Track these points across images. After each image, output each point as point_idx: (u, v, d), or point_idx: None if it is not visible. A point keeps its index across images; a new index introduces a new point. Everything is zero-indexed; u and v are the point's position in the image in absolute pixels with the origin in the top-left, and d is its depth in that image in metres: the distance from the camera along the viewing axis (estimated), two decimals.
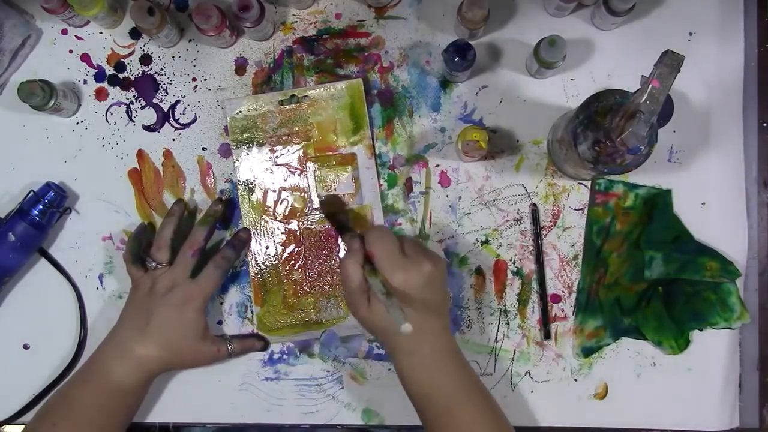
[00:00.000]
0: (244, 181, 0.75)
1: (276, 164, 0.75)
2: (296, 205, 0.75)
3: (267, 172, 0.75)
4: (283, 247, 0.75)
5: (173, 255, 0.71)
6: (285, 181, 0.75)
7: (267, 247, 0.75)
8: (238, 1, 0.68)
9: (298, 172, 0.75)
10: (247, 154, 0.75)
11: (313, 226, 0.75)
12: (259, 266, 0.75)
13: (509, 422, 0.66)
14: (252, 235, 0.75)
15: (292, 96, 0.75)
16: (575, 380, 0.74)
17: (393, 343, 0.65)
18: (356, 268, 0.63)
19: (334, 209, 0.75)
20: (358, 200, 0.75)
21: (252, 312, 0.76)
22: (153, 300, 0.69)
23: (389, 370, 0.75)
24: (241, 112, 0.75)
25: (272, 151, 0.75)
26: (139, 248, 0.73)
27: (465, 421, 0.63)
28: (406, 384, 0.65)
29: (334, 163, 0.75)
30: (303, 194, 0.75)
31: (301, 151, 0.75)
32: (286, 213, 0.75)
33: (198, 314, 0.69)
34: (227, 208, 0.76)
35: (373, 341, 0.75)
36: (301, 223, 0.75)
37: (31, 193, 0.74)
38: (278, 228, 0.75)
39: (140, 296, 0.70)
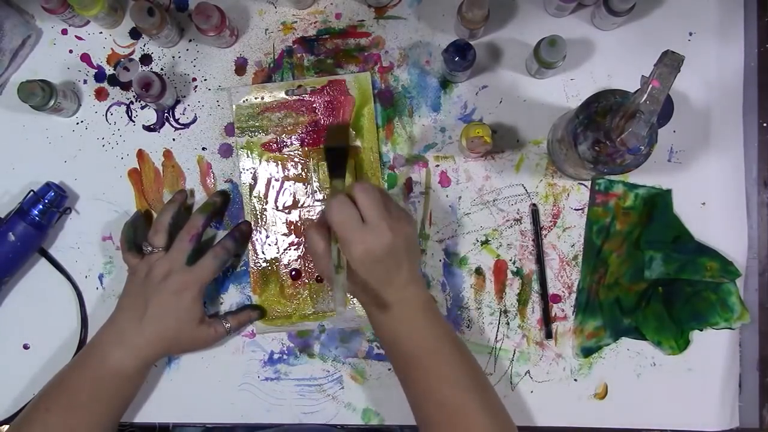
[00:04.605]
0: (247, 170, 0.76)
1: (280, 153, 0.76)
2: (298, 195, 0.76)
3: (270, 162, 0.76)
4: (283, 237, 0.75)
5: (170, 241, 0.71)
6: (288, 171, 0.76)
7: (267, 237, 0.75)
8: (139, 80, 0.70)
9: (302, 162, 0.76)
10: (252, 142, 0.75)
11: (313, 217, 0.75)
12: (259, 255, 0.75)
13: (482, 369, 0.66)
14: (253, 227, 0.75)
15: (299, 86, 0.75)
16: (575, 380, 0.74)
17: (364, 299, 0.64)
18: (323, 232, 0.61)
19: (334, 142, 0.72)
20: None
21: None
22: (149, 287, 0.69)
23: (389, 369, 0.75)
24: (247, 100, 0.75)
25: (277, 140, 0.75)
26: (134, 235, 0.73)
27: (432, 365, 0.63)
28: (378, 334, 0.66)
29: None
30: (305, 185, 0.75)
31: (306, 141, 0.75)
32: (288, 203, 0.76)
33: (194, 302, 0.69)
34: (225, 204, 0.76)
35: (373, 341, 0.75)
36: (301, 213, 0.75)
37: (31, 193, 0.74)
38: (279, 218, 0.76)
39: (137, 283, 0.70)
